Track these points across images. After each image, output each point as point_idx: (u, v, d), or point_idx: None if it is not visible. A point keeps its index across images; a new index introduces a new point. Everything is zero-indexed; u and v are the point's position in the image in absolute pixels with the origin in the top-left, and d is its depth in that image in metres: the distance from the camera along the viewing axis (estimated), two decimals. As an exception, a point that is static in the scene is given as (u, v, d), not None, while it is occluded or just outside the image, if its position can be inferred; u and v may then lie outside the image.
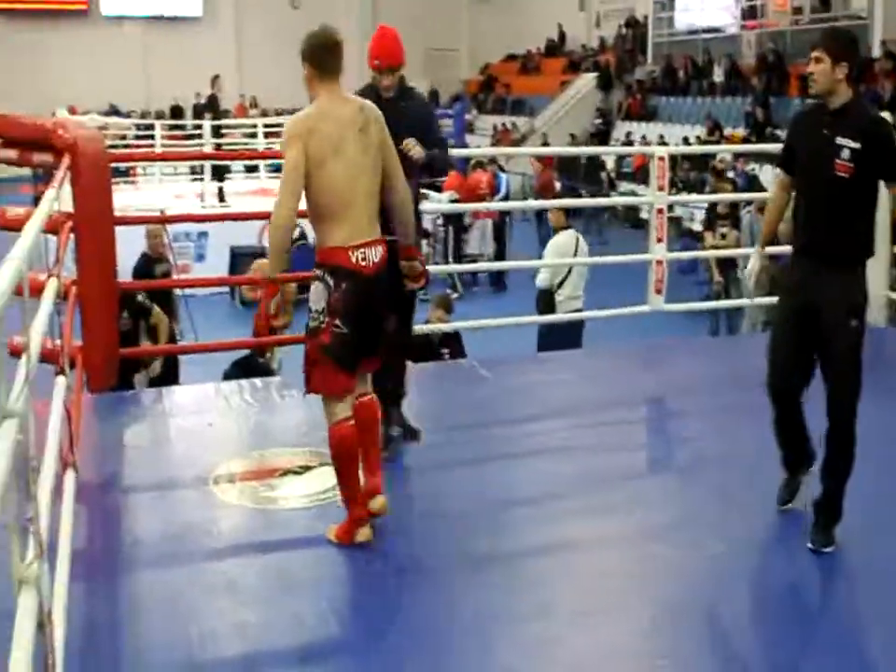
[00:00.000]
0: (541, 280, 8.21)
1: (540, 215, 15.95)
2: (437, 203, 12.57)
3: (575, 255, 8.06)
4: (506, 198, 15.92)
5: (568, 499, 4.23)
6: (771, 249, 4.14)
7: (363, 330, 3.61)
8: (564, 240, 8.18)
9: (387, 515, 3.79)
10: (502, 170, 16.70)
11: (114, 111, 26.21)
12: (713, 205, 10.57)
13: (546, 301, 8.07)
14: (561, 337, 7.62)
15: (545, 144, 23.22)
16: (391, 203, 3.83)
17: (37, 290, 3.36)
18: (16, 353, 3.16)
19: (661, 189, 6.84)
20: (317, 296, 3.62)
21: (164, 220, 8.09)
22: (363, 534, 3.68)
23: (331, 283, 3.58)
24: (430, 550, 3.80)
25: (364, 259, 3.60)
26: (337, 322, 3.57)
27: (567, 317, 7.73)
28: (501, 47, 35.52)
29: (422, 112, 4.50)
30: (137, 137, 19.97)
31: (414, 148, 4.22)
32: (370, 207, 3.66)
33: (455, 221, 14.77)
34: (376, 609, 3.40)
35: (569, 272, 8.02)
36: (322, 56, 3.67)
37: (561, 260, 8.11)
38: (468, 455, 4.71)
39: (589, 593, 3.51)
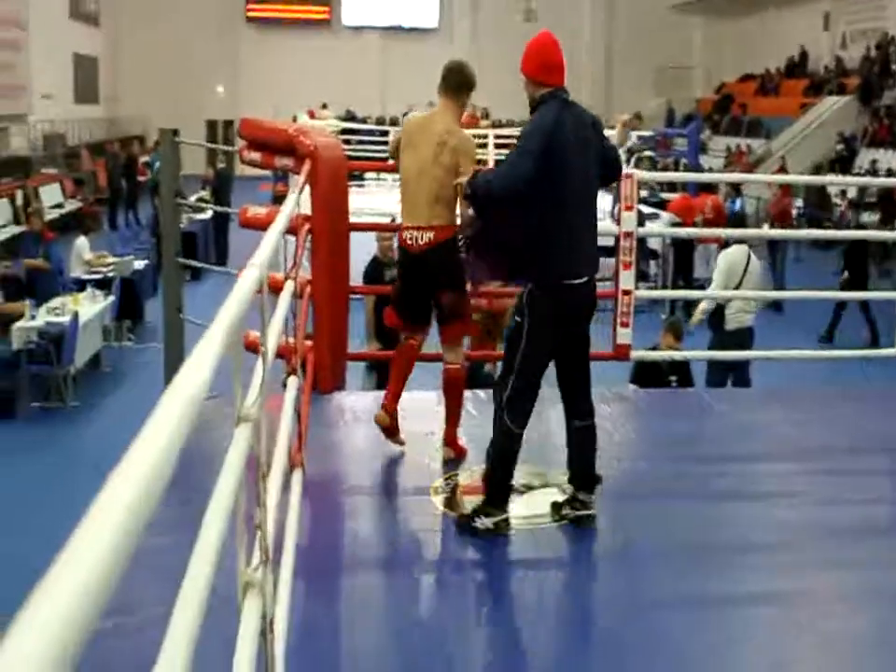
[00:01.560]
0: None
1: (774, 243, 15.22)
2: (654, 226, 12.36)
3: (746, 268, 8.18)
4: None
5: (797, 551, 3.96)
6: None
7: (410, 293, 4.64)
8: (735, 251, 8.33)
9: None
10: (739, 193, 15.90)
11: (350, 117, 27.08)
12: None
13: (717, 313, 8.18)
14: (730, 349, 7.77)
15: (782, 168, 22.20)
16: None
17: (276, 289, 3.45)
18: (250, 347, 3.23)
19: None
20: None
21: (396, 228, 8.19)
22: (380, 415, 4.65)
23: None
24: (647, 586, 3.63)
25: (411, 239, 4.51)
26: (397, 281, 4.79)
27: (821, 354, 7.35)
28: (737, 65, 34.55)
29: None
30: (361, 142, 20.54)
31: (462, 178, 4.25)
32: (430, 203, 4.46)
33: (679, 243, 14.31)
34: (586, 641, 3.34)
35: (738, 285, 8.13)
36: (444, 76, 4.62)
37: (810, 293, 7.82)
38: (693, 490, 4.53)
39: (814, 649, 3.30)
